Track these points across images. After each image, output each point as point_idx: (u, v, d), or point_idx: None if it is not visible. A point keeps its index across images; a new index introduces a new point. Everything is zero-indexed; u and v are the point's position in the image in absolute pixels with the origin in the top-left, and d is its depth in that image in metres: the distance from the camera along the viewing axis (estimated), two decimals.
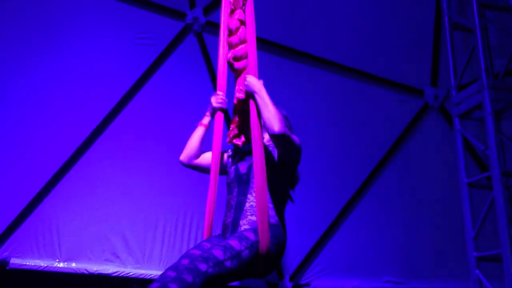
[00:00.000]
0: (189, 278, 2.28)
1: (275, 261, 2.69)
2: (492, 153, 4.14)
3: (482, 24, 4.49)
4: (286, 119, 3.04)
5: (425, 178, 5.94)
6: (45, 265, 5.21)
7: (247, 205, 2.74)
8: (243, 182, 2.85)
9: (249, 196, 2.76)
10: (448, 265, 6.02)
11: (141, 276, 5.57)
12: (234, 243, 2.47)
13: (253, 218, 2.68)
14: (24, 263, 5.15)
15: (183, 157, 3.16)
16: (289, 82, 5.35)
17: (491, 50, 4.56)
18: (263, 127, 2.69)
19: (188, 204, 5.63)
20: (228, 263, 2.40)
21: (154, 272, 5.58)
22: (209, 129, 3.13)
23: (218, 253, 2.40)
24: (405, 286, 6.19)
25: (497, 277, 4.15)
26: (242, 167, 2.91)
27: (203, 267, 2.34)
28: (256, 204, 2.57)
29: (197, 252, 2.56)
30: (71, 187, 5.27)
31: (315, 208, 6.02)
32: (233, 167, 2.98)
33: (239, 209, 2.76)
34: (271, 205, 2.75)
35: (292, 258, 6.12)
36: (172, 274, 2.41)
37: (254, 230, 2.57)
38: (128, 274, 5.50)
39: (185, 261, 2.50)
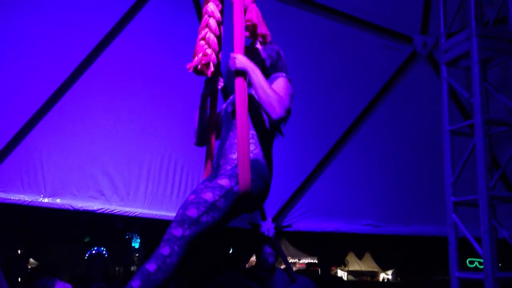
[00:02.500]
0: (165, 250, 2.33)
1: (260, 197, 2.71)
2: (476, 101, 4.17)
3: None
4: (279, 56, 3.00)
5: (408, 125, 6.01)
6: (30, 200, 5.24)
7: (228, 142, 2.74)
8: (228, 120, 2.85)
9: (231, 134, 2.75)
10: (425, 210, 6.21)
11: (126, 214, 5.66)
12: (207, 195, 2.45)
13: (234, 156, 2.67)
14: (9, 197, 5.17)
15: (197, 142, 3.15)
16: (272, 24, 5.25)
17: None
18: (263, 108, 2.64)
19: (172, 144, 5.66)
20: (204, 218, 2.39)
21: (138, 210, 5.67)
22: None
23: (192, 212, 2.40)
24: (383, 229, 6.39)
25: (472, 222, 4.27)
26: (228, 104, 2.92)
27: (178, 232, 2.36)
28: (237, 141, 2.55)
29: (176, 217, 2.50)
30: (56, 123, 5.23)
31: (299, 153, 6.09)
32: (223, 105, 2.99)
33: (222, 148, 2.77)
34: (254, 140, 2.72)
35: (275, 201, 6.24)
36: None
37: (230, 175, 2.55)
38: (113, 211, 5.58)
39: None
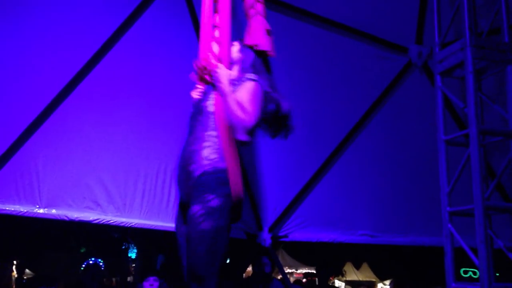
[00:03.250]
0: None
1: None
2: (470, 111, 4.19)
3: None
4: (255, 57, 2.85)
5: (404, 135, 6.03)
6: (25, 211, 5.22)
7: (195, 136, 2.60)
8: (198, 113, 2.71)
9: (210, 132, 2.58)
10: (421, 220, 6.21)
11: (122, 224, 5.64)
12: (205, 225, 2.38)
13: (208, 155, 2.49)
14: (4, 208, 5.16)
15: None
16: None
17: (476, 10, 4.56)
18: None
19: (168, 154, 5.64)
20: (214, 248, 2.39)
21: (134, 221, 5.66)
22: None
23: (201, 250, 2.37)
24: (379, 239, 6.38)
25: (468, 232, 4.27)
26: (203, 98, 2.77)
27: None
28: (222, 146, 2.50)
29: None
30: (52, 134, 5.23)
31: (295, 163, 6.09)
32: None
33: (190, 144, 2.61)
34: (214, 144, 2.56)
35: (271, 211, 6.23)
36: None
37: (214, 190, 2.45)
38: (109, 222, 5.56)
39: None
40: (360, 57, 5.69)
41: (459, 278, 4.36)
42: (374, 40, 5.57)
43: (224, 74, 2.64)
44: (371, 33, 5.53)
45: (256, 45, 2.81)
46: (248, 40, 2.85)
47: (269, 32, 2.92)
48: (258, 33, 2.85)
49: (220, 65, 2.68)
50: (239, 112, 2.50)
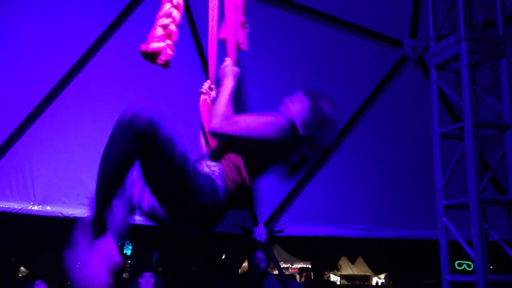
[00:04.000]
0: None
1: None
2: (465, 104, 4.20)
3: None
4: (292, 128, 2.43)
5: (398, 129, 6.03)
6: (19, 208, 5.20)
7: None
8: None
9: None
10: (416, 214, 6.22)
11: None
12: None
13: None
14: None
15: None
16: (264, 28, 5.27)
17: (471, 3, 4.56)
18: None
19: None
20: None
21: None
22: None
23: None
24: (374, 233, 6.40)
25: (462, 225, 4.29)
26: None
27: None
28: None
29: None
30: (46, 130, 5.21)
31: None
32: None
33: None
34: None
35: (266, 206, 6.23)
36: None
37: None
38: None
39: None
40: (354, 51, 5.68)
41: (453, 271, 4.37)
42: (368, 34, 5.56)
43: (230, 70, 2.60)
44: (365, 27, 5.53)
45: (226, 39, 2.77)
46: (223, 33, 2.82)
47: (243, 25, 2.88)
48: (233, 25, 2.82)
49: (228, 59, 2.65)
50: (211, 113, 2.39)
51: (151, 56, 2.64)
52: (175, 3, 2.70)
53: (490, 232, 4.12)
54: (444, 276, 4.30)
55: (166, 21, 2.67)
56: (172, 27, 2.66)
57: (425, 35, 5.34)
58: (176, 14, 2.70)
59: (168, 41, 2.64)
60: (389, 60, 5.70)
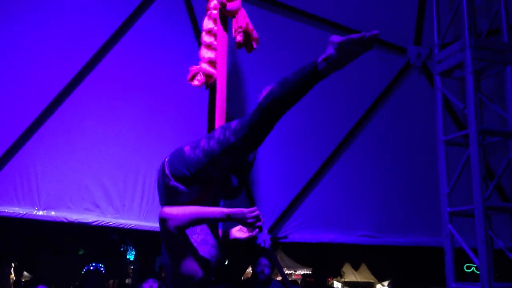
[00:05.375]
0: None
1: None
2: (470, 111, 4.20)
3: None
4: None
5: (403, 136, 6.02)
6: (24, 213, 5.20)
7: None
8: None
9: None
10: (421, 220, 6.20)
11: (121, 226, 5.62)
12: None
13: None
14: (3, 210, 5.13)
15: None
16: (267, 35, 5.29)
17: (475, 10, 4.57)
18: None
19: (168, 154, 5.63)
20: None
21: (133, 222, 5.64)
22: None
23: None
24: (379, 240, 6.37)
25: (468, 232, 4.28)
26: None
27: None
28: None
29: None
30: (51, 135, 5.22)
31: (294, 164, 6.09)
32: None
33: None
34: None
35: (270, 212, 6.22)
36: None
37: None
38: (108, 224, 5.54)
39: None
40: (358, 58, 5.67)
41: (462, 275, 4.36)
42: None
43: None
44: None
45: (240, 27, 2.84)
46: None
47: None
48: (243, 22, 2.89)
49: None
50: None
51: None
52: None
53: (495, 239, 4.10)
54: (449, 283, 4.29)
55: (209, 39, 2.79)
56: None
57: (429, 42, 5.35)
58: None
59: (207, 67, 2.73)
60: (393, 67, 5.71)
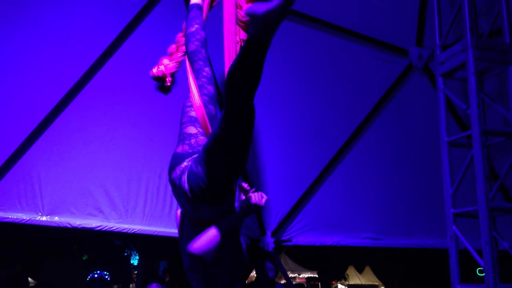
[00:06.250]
0: None
1: None
2: (473, 112, 4.19)
3: None
4: None
5: (406, 138, 6.02)
6: (28, 219, 5.21)
7: None
8: None
9: None
10: (425, 222, 6.19)
11: (124, 231, 5.62)
12: None
13: None
14: (7, 216, 5.14)
15: None
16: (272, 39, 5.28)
17: (477, 11, 4.56)
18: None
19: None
20: None
21: (137, 227, 5.63)
22: None
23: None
24: (383, 242, 6.36)
25: (472, 233, 4.26)
26: None
27: None
28: None
29: None
30: (54, 141, 5.22)
31: (297, 167, 6.08)
32: None
33: None
34: None
35: (274, 215, 6.21)
36: None
37: None
38: (111, 229, 5.54)
39: None
40: (360, 60, 5.68)
41: (472, 278, 4.34)
42: (375, 43, 5.57)
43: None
44: (372, 36, 5.54)
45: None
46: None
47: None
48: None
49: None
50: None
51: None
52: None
53: (500, 240, 4.09)
54: (454, 285, 4.27)
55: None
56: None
57: (431, 44, 5.35)
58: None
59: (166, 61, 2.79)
60: (395, 68, 5.70)
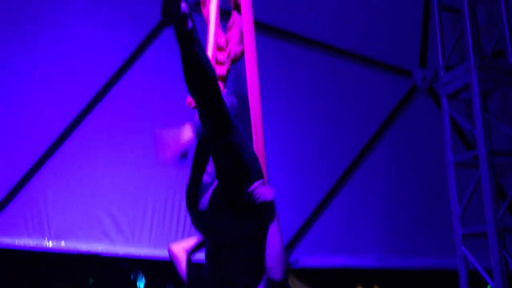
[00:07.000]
0: None
1: None
2: (478, 133, 4.19)
3: (470, 4, 4.51)
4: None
5: (412, 159, 6.01)
6: (34, 244, 5.20)
7: None
8: None
9: None
10: (434, 242, 6.13)
11: (131, 255, 5.60)
12: None
13: None
14: (13, 242, 5.14)
15: None
16: (275, 62, 5.33)
17: (479, 31, 4.59)
18: None
19: (177, 181, 5.63)
20: None
21: (143, 251, 5.61)
22: None
23: None
24: (392, 263, 6.30)
25: (481, 253, 4.23)
26: None
27: None
28: None
29: None
30: (60, 166, 5.25)
31: (304, 188, 6.07)
32: None
33: None
34: None
35: None
36: None
37: None
38: (118, 253, 5.52)
39: None
40: (365, 81, 5.72)
41: None
42: (378, 64, 5.60)
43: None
44: (374, 58, 5.58)
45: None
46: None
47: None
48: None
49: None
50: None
51: None
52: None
53: (509, 260, 4.05)
54: None
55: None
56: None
57: (434, 64, 5.37)
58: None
59: None
60: (400, 89, 5.72)
